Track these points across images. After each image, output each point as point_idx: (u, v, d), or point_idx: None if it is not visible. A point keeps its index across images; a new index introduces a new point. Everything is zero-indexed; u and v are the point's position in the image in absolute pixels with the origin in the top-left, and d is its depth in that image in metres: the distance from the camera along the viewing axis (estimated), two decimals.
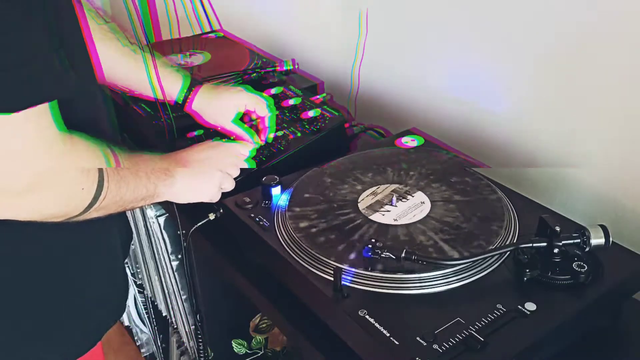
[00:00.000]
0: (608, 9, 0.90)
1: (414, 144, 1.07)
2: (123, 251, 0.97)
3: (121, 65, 0.99)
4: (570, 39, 0.97)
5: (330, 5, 1.48)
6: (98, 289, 0.90)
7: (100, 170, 0.74)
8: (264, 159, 1.04)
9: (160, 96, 1.06)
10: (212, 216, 0.96)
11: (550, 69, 1.02)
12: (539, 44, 1.02)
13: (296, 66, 1.32)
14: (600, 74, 0.94)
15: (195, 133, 1.12)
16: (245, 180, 1.00)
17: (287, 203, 0.90)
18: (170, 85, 1.05)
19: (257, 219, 0.89)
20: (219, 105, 1.05)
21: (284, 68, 1.32)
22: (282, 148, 1.07)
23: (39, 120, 0.64)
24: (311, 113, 1.12)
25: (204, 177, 0.92)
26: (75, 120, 0.73)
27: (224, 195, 0.95)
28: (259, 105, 1.05)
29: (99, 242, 0.89)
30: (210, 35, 1.61)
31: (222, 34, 1.61)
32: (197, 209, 0.96)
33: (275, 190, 0.92)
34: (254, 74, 1.29)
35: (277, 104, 1.17)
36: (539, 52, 1.03)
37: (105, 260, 0.91)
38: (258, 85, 1.27)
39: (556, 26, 0.99)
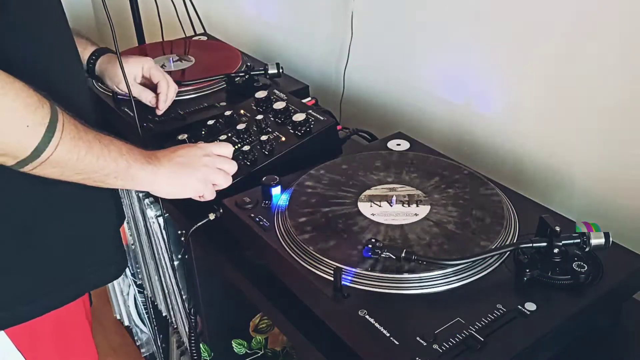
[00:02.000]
0: (598, 8, 0.90)
1: (404, 147, 1.06)
2: (118, 219, 1.00)
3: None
4: (561, 39, 0.97)
5: (315, 8, 1.48)
6: (82, 245, 0.91)
7: (54, 114, 0.73)
8: (254, 159, 1.04)
9: None
10: (212, 216, 0.96)
11: (540, 69, 1.02)
12: (528, 45, 1.02)
13: (281, 70, 1.32)
14: (593, 73, 0.94)
15: (178, 138, 1.13)
16: (245, 180, 1.00)
17: (287, 203, 0.90)
18: (84, 51, 1.18)
19: (257, 219, 0.89)
20: (116, 68, 1.15)
21: (269, 72, 1.32)
22: (274, 149, 1.07)
23: None
24: (299, 116, 1.12)
25: (187, 169, 0.91)
26: (14, 60, 0.74)
27: (224, 194, 0.95)
28: (157, 72, 1.20)
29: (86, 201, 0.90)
30: (196, 38, 1.63)
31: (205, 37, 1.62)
32: (197, 209, 0.96)
33: (275, 190, 0.92)
34: (237, 79, 1.29)
35: (265, 107, 1.17)
36: (528, 53, 1.03)
37: (91, 219, 0.93)
38: (245, 89, 1.27)
39: (546, 26, 0.99)
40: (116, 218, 0.99)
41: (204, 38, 1.63)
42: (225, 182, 0.95)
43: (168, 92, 1.21)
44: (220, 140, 1.09)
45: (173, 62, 1.43)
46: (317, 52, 1.52)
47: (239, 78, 1.30)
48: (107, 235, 0.96)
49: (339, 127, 1.17)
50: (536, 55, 1.02)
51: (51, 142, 0.73)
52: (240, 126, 1.11)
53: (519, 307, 0.71)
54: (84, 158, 0.77)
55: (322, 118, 1.12)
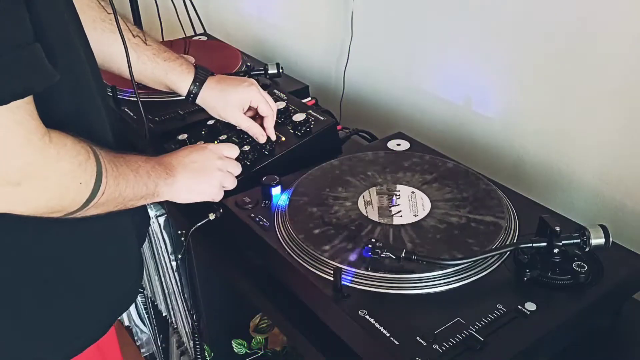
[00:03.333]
0: (598, 9, 0.90)
1: (402, 147, 1.06)
2: (139, 240, 0.96)
3: (123, 57, 0.97)
4: (562, 38, 0.97)
5: (315, 9, 1.48)
6: (108, 279, 0.89)
7: (99, 164, 0.74)
8: (254, 159, 1.04)
9: (164, 88, 1.08)
10: (212, 216, 0.96)
11: (542, 69, 1.02)
12: (529, 45, 1.02)
13: (281, 70, 1.32)
14: (595, 73, 0.94)
15: (178, 138, 1.12)
16: (245, 180, 1.00)
17: (287, 203, 0.90)
18: (178, 79, 1.06)
19: (257, 219, 0.89)
20: (225, 101, 1.05)
21: (269, 72, 1.32)
22: (274, 148, 1.07)
23: (18, 112, 0.63)
24: (299, 116, 1.12)
25: (204, 176, 0.92)
26: (59, 115, 0.73)
27: (224, 194, 0.95)
28: (264, 103, 1.05)
29: (110, 234, 0.88)
30: (196, 38, 1.63)
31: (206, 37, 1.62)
32: (197, 209, 0.96)
33: (275, 190, 0.92)
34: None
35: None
36: (529, 53, 1.03)
37: (117, 252, 0.90)
38: None
39: (546, 26, 0.99)
40: (137, 240, 0.96)
41: (204, 38, 1.63)
42: (232, 184, 0.96)
43: (273, 120, 1.08)
44: (221, 141, 1.09)
45: None
46: (317, 52, 1.52)
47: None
48: (131, 260, 0.95)
49: (339, 127, 1.17)
50: (537, 55, 1.02)
51: (99, 191, 0.74)
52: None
53: (519, 307, 0.71)
54: (123, 191, 0.78)
55: (322, 118, 1.12)
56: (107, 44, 0.99)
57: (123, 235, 0.91)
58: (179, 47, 1.53)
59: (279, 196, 0.93)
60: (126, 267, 0.93)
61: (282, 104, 1.15)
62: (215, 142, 1.07)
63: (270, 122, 1.07)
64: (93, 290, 0.86)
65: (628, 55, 0.89)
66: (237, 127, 1.07)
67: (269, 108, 1.06)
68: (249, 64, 1.36)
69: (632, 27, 0.87)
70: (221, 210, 0.95)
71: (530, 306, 0.71)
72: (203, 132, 1.14)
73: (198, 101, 1.07)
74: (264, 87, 1.27)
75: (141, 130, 1.06)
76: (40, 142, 0.65)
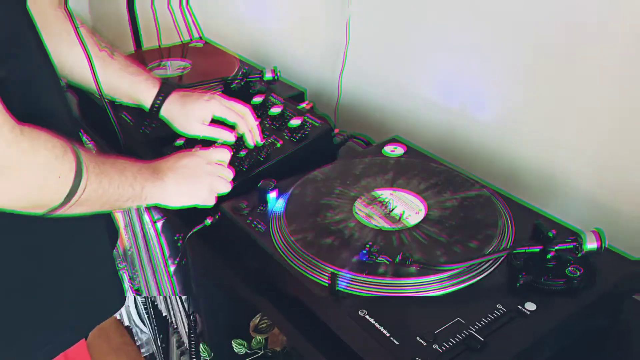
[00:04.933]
0: (594, 11, 0.90)
1: (400, 152, 1.06)
2: (111, 243, 0.97)
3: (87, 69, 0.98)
4: (559, 42, 0.97)
5: (312, 14, 1.48)
6: (83, 284, 0.90)
7: (79, 160, 0.74)
8: (249, 164, 1.04)
9: (129, 103, 1.09)
10: (208, 221, 0.96)
11: (537, 74, 1.02)
12: (525, 49, 1.02)
13: (278, 74, 1.32)
14: (590, 77, 0.94)
15: (175, 144, 1.12)
16: (242, 185, 1.00)
17: (283, 208, 0.91)
18: (143, 91, 1.07)
19: (253, 224, 0.89)
20: (186, 114, 1.06)
21: (266, 76, 1.32)
22: (270, 154, 1.07)
23: None
24: (296, 121, 1.12)
25: (194, 180, 0.92)
26: (31, 111, 0.73)
27: (220, 199, 0.95)
28: (230, 114, 1.06)
29: (81, 236, 0.88)
30: (193, 43, 1.63)
31: (202, 43, 1.62)
32: (193, 213, 0.96)
33: (272, 195, 0.93)
34: (234, 84, 1.29)
35: (261, 113, 1.17)
36: (525, 57, 1.03)
37: (87, 255, 0.91)
38: (242, 94, 1.27)
39: (541, 32, 0.99)
40: (109, 243, 0.97)
41: (201, 44, 1.63)
42: (225, 188, 0.96)
43: (250, 126, 1.08)
44: (217, 145, 1.09)
45: (170, 67, 1.43)
46: (314, 57, 1.52)
47: (235, 83, 1.30)
48: (104, 266, 0.95)
49: (336, 131, 1.17)
50: (532, 61, 1.02)
51: (80, 186, 0.74)
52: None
53: (519, 307, 0.71)
54: (107, 189, 0.78)
55: (317, 123, 1.12)
56: (72, 56, 0.99)
57: (94, 236, 0.91)
58: (177, 52, 1.53)
59: (275, 201, 0.93)
60: (97, 274, 0.93)
61: (278, 109, 1.15)
62: (214, 146, 1.08)
63: (244, 127, 1.07)
64: (63, 296, 0.87)
65: (623, 61, 0.89)
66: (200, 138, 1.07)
67: (237, 115, 1.06)
68: (245, 68, 1.36)
69: (626, 33, 0.87)
70: (219, 215, 0.95)
71: (530, 306, 0.72)
72: (200, 137, 1.14)
73: (161, 113, 1.08)
74: (261, 92, 1.27)
75: (133, 133, 1.06)
76: (11, 135, 0.66)
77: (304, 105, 1.24)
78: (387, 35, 1.29)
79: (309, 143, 1.09)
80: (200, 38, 1.70)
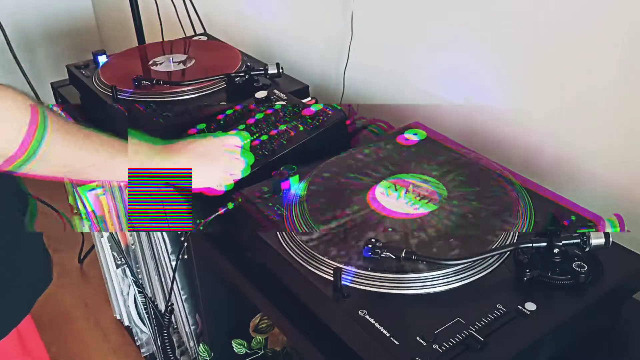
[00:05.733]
0: (607, 1, 0.90)
1: (416, 138, 1.06)
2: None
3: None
4: (573, 30, 0.96)
5: (315, 9, 1.48)
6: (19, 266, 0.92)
7: (42, 114, 0.74)
8: (266, 152, 1.05)
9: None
10: (231, 204, 0.96)
11: (551, 61, 1.01)
12: (534, 38, 1.02)
13: (281, 70, 1.32)
14: (605, 64, 0.93)
15: (198, 127, 1.13)
16: (256, 173, 1.00)
17: (297, 197, 0.90)
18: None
19: (267, 213, 0.89)
20: None
21: (269, 72, 1.32)
22: (284, 142, 1.07)
23: None
24: (313, 108, 1.12)
25: (210, 160, 0.92)
26: None
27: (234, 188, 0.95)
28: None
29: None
30: (196, 38, 1.63)
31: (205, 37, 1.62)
32: (198, 209, 0.96)
33: (285, 185, 0.93)
34: (237, 79, 1.29)
35: (265, 108, 1.18)
36: (536, 45, 1.02)
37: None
38: (244, 89, 1.28)
39: (556, 18, 0.98)
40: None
41: (204, 38, 1.63)
42: (241, 172, 0.95)
43: None
44: (238, 130, 1.09)
45: (173, 62, 1.43)
46: (317, 52, 1.52)
47: (239, 78, 1.30)
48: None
49: (348, 122, 1.17)
50: (544, 47, 1.01)
51: (44, 138, 0.74)
52: (252, 120, 1.13)
53: (519, 307, 0.71)
54: (72, 150, 0.78)
55: (331, 112, 1.12)
56: None
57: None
58: (179, 47, 1.53)
59: (288, 190, 0.93)
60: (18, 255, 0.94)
61: (282, 104, 1.16)
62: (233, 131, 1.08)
63: None
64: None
65: (634, 45, 0.88)
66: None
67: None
68: (249, 64, 1.36)
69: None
70: (240, 200, 0.94)
71: (530, 306, 0.71)
72: (212, 127, 1.15)
73: None
74: (264, 86, 1.27)
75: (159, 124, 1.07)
76: None
77: (306, 101, 1.24)
78: (391, 29, 1.29)
79: (325, 130, 1.09)
80: (203, 33, 1.70)
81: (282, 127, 1.10)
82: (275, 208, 0.90)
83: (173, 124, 1.18)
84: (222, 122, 1.16)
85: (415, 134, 1.06)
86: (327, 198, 0.91)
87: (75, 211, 1.72)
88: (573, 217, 0.78)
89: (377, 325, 0.70)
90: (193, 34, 1.70)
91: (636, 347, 0.80)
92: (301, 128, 1.09)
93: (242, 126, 1.12)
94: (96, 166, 0.83)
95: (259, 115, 1.14)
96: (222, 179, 0.94)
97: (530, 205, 0.86)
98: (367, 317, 0.71)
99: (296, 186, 0.93)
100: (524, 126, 1.10)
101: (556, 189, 0.92)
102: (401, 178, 0.93)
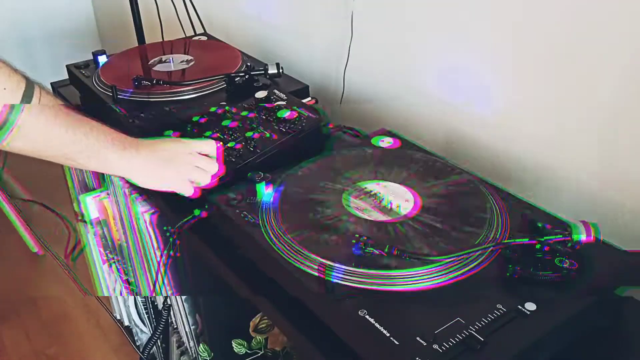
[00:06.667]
0: (597, 8, 0.90)
1: (389, 144, 1.07)
2: None
3: None
4: (559, 38, 0.97)
5: (315, 9, 1.48)
6: None
7: (29, 86, 0.74)
8: (249, 151, 1.05)
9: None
10: (197, 211, 0.96)
11: (538, 68, 1.02)
12: (526, 45, 1.02)
13: (281, 70, 1.33)
14: (590, 72, 0.94)
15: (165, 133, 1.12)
16: (232, 176, 1.00)
17: (275, 200, 0.91)
18: None
19: (243, 215, 0.89)
20: None
21: (269, 72, 1.32)
22: (260, 146, 1.07)
23: None
24: (287, 114, 1.12)
25: (170, 165, 0.92)
26: None
27: (213, 190, 0.95)
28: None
29: None
30: (196, 38, 1.63)
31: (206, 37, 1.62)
32: (184, 206, 0.96)
33: (262, 187, 0.93)
34: (237, 79, 1.29)
35: (262, 107, 1.18)
36: (526, 52, 1.03)
37: None
38: (245, 89, 1.28)
39: (543, 26, 0.99)
40: None
41: (204, 38, 1.63)
42: (203, 180, 0.95)
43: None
44: (206, 137, 1.09)
45: (173, 62, 1.43)
46: (318, 52, 1.52)
47: (239, 78, 1.30)
48: None
49: (330, 125, 1.17)
50: (534, 54, 1.02)
51: (23, 108, 0.73)
52: (227, 123, 1.13)
53: (519, 307, 0.71)
54: (52, 129, 0.77)
55: (307, 115, 1.13)
56: None
57: None
58: (179, 47, 1.53)
59: (266, 193, 0.93)
60: None
61: (282, 103, 1.16)
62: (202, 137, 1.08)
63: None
64: None
65: (626, 54, 0.89)
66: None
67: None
68: (249, 64, 1.36)
69: (634, 26, 0.87)
70: (207, 206, 0.95)
71: (530, 306, 0.72)
72: (188, 129, 1.15)
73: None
74: (264, 86, 1.27)
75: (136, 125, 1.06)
76: None
77: (306, 101, 1.24)
78: (391, 30, 1.29)
79: (300, 135, 1.09)
80: (203, 33, 1.70)
81: (259, 131, 1.10)
82: (242, 215, 0.89)
83: (150, 127, 1.17)
84: (189, 128, 1.15)
85: (383, 139, 1.08)
86: (297, 205, 0.91)
87: (80, 218, 1.73)
88: (540, 225, 0.78)
89: (377, 325, 0.70)
90: (193, 34, 1.70)
91: (636, 347, 0.80)
92: (275, 134, 1.09)
93: (208, 133, 1.11)
94: (84, 153, 0.82)
95: (254, 121, 1.14)
96: (182, 188, 0.94)
97: (501, 210, 0.87)
98: (367, 317, 0.71)
99: (264, 193, 0.93)
100: (511, 133, 1.10)
101: (539, 197, 0.93)
102: (365, 186, 0.93)
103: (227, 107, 1.19)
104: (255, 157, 1.04)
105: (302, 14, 1.55)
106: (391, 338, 0.68)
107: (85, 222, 1.61)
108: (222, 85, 1.32)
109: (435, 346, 0.66)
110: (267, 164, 1.03)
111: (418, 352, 0.66)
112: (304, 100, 1.22)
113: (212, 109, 1.19)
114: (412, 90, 1.29)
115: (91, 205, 1.48)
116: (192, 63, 1.43)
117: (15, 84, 0.73)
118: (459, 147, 1.20)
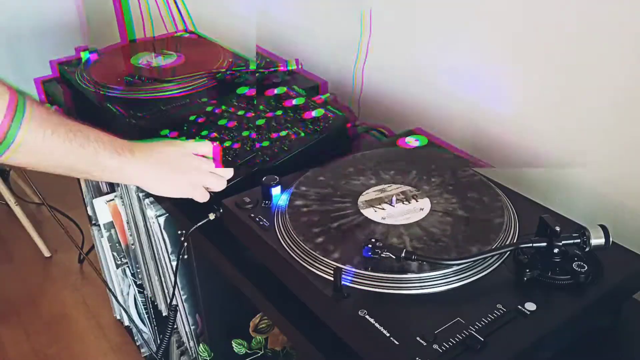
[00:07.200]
0: (609, 9, 0.90)
1: (417, 144, 1.07)
2: None
3: None
4: (573, 38, 0.96)
5: (333, 5, 1.48)
6: None
7: (21, 98, 0.73)
8: (267, 159, 1.04)
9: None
10: (211, 216, 0.96)
11: (553, 68, 1.01)
12: (542, 44, 1.02)
13: (300, 66, 1.32)
14: (604, 73, 0.94)
15: (161, 133, 1.12)
16: (245, 180, 1.00)
17: (287, 203, 0.90)
18: None
19: (257, 219, 0.89)
20: None
21: (287, 68, 1.32)
22: (285, 148, 1.06)
23: None
24: (314, 113, 1.12)
25: (171, 168, 0.91)
26: None
27: (223, 194, 0.95)
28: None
29: None
30: (182, 34, 1.63)
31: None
32: (197, 209, 0.96)
33: (275, 190, 0.92)
34: (257, 74, 1.29)
35: (279, 105, 1.18)
36: (542, 52, 1.03)
37: None
38: (261, 85, 1.27)
39: (558, 26, 0.98)
40: None
41: (193, 37, 1.63)
42: (217, 185, 0.95)
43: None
44: (203, 137, 1.09)
45: (161, 59, 1.43)
46: (336, 48, 1.51)
47: (258, 73, 1.29)
48: None
49: (349, 125, 1.17)
50: (543, 56, 1.01)
51: (19, 131, 0.73)
52: (224, 122, 1.13)
53: (519, 307, 0.71)
54: (50, 144, 0.76)
55: (331, 116, 1.12)
56: None
57: None
58: (168, 44, 1.53)
59: (279, 196, 0.93)
60: None
61: (299, 100, 1.17)
62: (196, 138, 1.08)
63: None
64: None
65: (631, 55, 0.88)
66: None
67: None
68: (268, 60, 1.36)
69: (634, 27, 0.86)
70: (221, 210, 0.95)
71: (530, 306, 0.71)
72: (185, 128, 1.15)
73: None
74: (283, 83, 1.27)
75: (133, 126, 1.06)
76: None
77: (326, 95, 1.24)
78: (409, 26, 1.28)
79: (327, 135, 1.09)
80: (193, 31, 1.69)
81: (284, 132, 1.09)
82: (257, 219, 0.89)
83: (148, 127, 1.17)
84: (185, 127, 1.15)
85: (417, 139, 1.07)
86: (319, 204, 0.91)
87: (93, 222, 1.73)
88: (556, 228, 0.78)
89: (377, 325, 0.70)
90: (182, 31, 1.70)
91: (636, 347, 0.80)
92: (302, 134, 1.09)
93: (205, 132, 1.10)
94: (84, 164, 0.82)
95: (260, 122, 1.14)
96: (193, 193, 0.93)
97: (516, 218, 0.86)
98: (367, 317, 0.71)
99: (280, 196, 0.93)
100: (527, 132, 1.10)
101: (544, 198, 0.93)
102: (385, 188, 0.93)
103: (223, 107, 1.19)
104: (284, 158, 1.04)
105: (321, 11, 1.53)
106: (391, 338, 0.68)
107: (97, 225, 1.61)
108: (214, 82, 1.31)
109: (435, 346, 0.66)
110: (294, 164, 1.02)
111: (418, 352, 0.66)
112: (322, 97, 1.22)
113: (223, 107, 1.19)
114: (431, 86, 1.27)
115: (103, 208, 1.49)
116: (181, 60, 1.42)
117: (4, 105, 0.71)
118: (475, 144, 1.19)
